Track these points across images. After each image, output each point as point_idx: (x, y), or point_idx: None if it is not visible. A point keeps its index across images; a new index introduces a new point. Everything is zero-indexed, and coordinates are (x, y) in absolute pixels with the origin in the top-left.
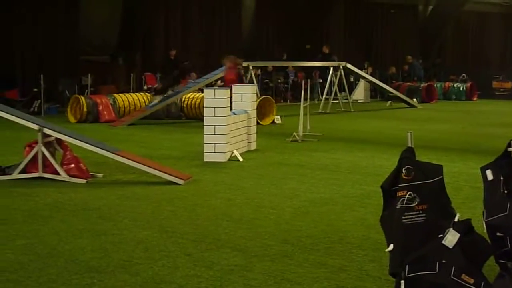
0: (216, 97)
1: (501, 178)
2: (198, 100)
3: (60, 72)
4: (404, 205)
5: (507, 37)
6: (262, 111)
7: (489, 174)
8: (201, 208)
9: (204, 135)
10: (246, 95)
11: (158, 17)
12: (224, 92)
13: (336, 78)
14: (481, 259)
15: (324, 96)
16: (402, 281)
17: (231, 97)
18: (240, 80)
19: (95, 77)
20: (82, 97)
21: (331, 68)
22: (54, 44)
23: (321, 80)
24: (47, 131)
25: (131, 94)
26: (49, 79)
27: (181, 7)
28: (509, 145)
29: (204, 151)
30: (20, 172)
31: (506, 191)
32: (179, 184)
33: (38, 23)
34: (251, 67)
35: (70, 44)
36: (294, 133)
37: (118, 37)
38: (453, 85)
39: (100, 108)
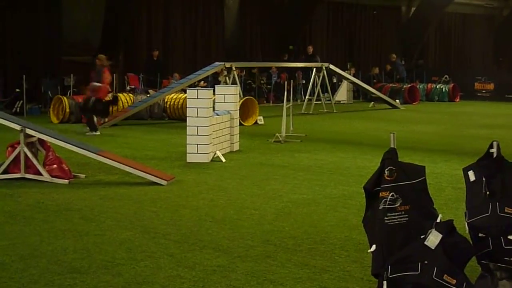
0: (199, 97)
1: (483, 179)
2: (181, 101)
3: (42, 73)
4: (386, 206)
5: (489, 38)
6: (245, 111)
7: (471, 175)
8: (184, 208)
9: (187, 136)
10: (229, 96)
11: (141, 18)
12: (206, 93)
13: (319, 79)
14: (463, 260)
15: (307, 97)
16: (385, 282)
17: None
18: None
19: (77, 78)
20: (65, 98)
21: (314, 69)
22: (37, 45)
23: (304, 81)
24: (29, 131)
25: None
26: (31, 79)
27: (164, 7)
28: (491, 146)
29: (187, 151)
30: (2, 173)
31: (488, 192)
32: (162, 185)
33: (20, 24)
34: (234, 68)
35: (53, 44)
36: (277, 134)
37: (100, 38)
38: (436, 86)
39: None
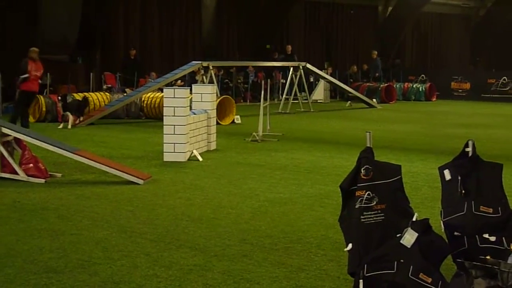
0: (176, 96)
1: (459, 178)
2: (158, 100)
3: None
4: (362, 205)
5: (466, 38)
6: (222, 111)
7: (447, 174)
8: (161, 208)
9: (164, 135)
10: (206, 95)
11: (118, 17)
12: (183, 92)
13: (296, 78)
14: (438, 259)
15: (284, 96)
16: (361, 280)
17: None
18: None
19: (54, 77)
20: (41, 97)
21: (291, 68)
22: (13, 43)
23: (284, 81)
24: (5, 130)
25: (91, 93)
26: (7, 78)
27: (141, 6)
28: (466, 145)
29: (164, 150)
30: None
31: (463, 191)
32: (139, 184)
33: None
34: (211, 67)
35: (29, 43)
36: (254, 133)
37: (77, 36)
38: (413, 85)
39: (59, 107)
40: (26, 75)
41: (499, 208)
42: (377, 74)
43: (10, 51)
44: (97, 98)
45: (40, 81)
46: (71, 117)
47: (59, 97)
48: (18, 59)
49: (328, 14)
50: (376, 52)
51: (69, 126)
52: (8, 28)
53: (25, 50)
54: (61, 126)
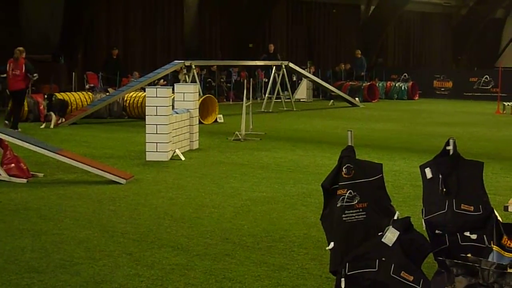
0: (158, 96)
1: (440, 176)
2: (141, 99)
3: (0, 71)
4: (344, 204)
5: (447, 37)
6: (204, 110)
7: (428, 172)
8: (143, 207)
9: (146, 134)
10: (188, 94)
11: (100, 16)
12: (166, 91)
13: (278, 77)
14: (420, 257)
15: (266, 95)
16: (343, 279)
17: None
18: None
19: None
20: None
21: (274, 67)
22: None
23: (266, 80)
24: None
25: (73, 93)
26: None
27: (123, 5)
28: (447, 144)
29: (146, 150)
30: None
31: (444, 189)
32: (121, 184)
33: None
34: (193, 66)
35: (11, 42)
36: (237, 132)
37: (59, 36)
38: (395, 84)
39: (42, 107)
40: (4, 75)
41: (480, 206)
42: (362, 73)
43: None
44: (79, 97)
45: (32, 77)
46: (54, 117)
47: (45, 96)
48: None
49: (310, 13)
50: (360, 51)
51: (52, 126)
52: None
53: (7, 50)
54: (43, 125)
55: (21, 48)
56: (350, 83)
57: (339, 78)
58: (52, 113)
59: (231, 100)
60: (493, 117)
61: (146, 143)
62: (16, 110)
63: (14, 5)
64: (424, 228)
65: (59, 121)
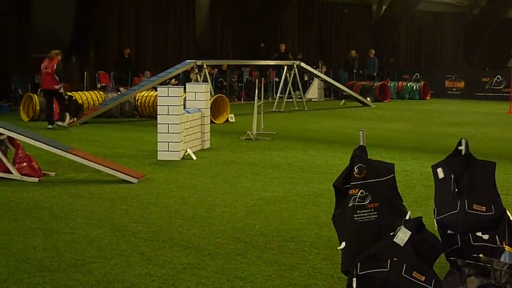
0: (169, 95)
1: (452, 176)
2: (152, 99)
3: (12, 70)
4: (356, 203)
5: (460, 37)
6: (216, 109)
7: (440, 172)
8: (154, 206)
9: (158, 134)
10: (200, 94)
11: (112, 15)
12: (177, 91)
13: (290, 76)
14: (432, 257)
15: (278, 95)
16: (354, 279)
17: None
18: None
19: None
20: (35, 95)
21: (285, 67)
22: (6, 42)
23: (277, 79)
24: None
25: (85, 92)
26: (1, 77)
27: (135, 4)
28: (459, 144)
29: (158, 149)
30: None
31: (456, 189)
32: (133, 183)
33: None
34: (205, 66)
35: (23, 41)
36: (248, 132)
37: (71, 35)
38: (407, 84)
39: (54, 106)
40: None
41: (492, 206)
42: (374, 73)
43: (4, 51)
44: (91, 97)
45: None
46: (68, 117)
47: (66, 97)
48: (11, 59)
49: (322, 13)
50: (373, 51)
51: (65, 124)
52: (2, 29)
53: (19, 49)
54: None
55: (57, 51)
56: (362, 83)
57: (351, 66)
58: (67, 114)
59: (242, 99)
60: (505, 117)
61: (158, 143)
62: (49, 109)
63: (26, 5)
64: (436, 228)
65: (72, 121)
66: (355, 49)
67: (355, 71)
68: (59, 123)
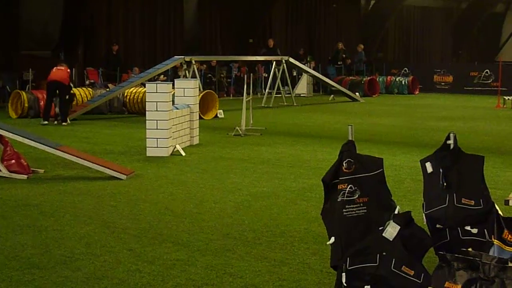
0: (158, 91)
1: (441, 171)
2: (141, 95)
3: (0, 67)
4: (345, 198)
5: (448, 31)
6: (204, 105)
7: (429, 167)
8: (143, 203)
9: (147, 130)
10: (189, 90)
11: (100, 12)
12: (166, 87)
13: (278, 72)
14: (421, 251)
15: (267, 90)
16: (344, 274)
17: None
18: None
19: (36, 72)
20: (23, 92)
21: (274, 62)
22: None
23: (266, 75)
24: None
25: (73, 89)
26: None
27: (123, 1)
28: (448, 138)
29: (147, 145)
30: None
31: (445, 184)
32: (121, 179)
33: None
34: (193, 62)
35: (11, 38)
36: (237, 127)
37: (59, 32)
38: (395, 79)
39: (42, 103)
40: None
41: (481, 200)
42: (361, 68)
43: None
44: (79, 93)
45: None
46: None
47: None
48: (0, 56)
49: (310, 8)
50: (362, 46)
51: (56, 122)
52: None
53: (7, 46)
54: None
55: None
56: (351, 77)
57: (339, 59)
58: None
59: (231, 95)
60: (494, 111)
61: (147, 139)
62: (47, 102)
63: (14, 1)
64: (425, 223)
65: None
66: (343, 44)
67: (339, 63)
68: (64, 123)
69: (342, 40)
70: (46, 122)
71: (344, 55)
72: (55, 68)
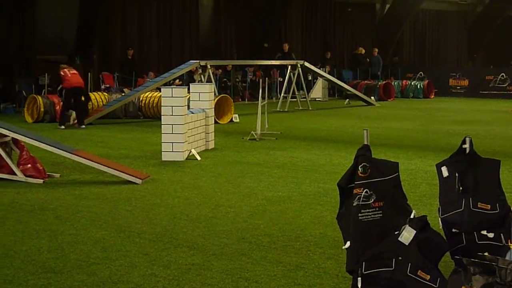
0: (173, 96)
1: (456, 175)
2: (156, 99)
3: (17, 72)
4: (360, 203)
5: (463, 35)
6: (220, 109)
7: (445, 171)
8: (159, 207)
9: (162, 134)
10: (204, 94)
11: (115, 16)
12: (181, 91)
13: (294, 76)
14: (437, 256)
15: (282, 95)
16: (359, 278)
17: None
18: None
19: (52, 77)
20: (39, 97)
21: (289, 67)
22: (11, 44)
23: (281, 79)
24: (3, 131)
25: (89, 93)
26: (5, 78)
27: (138, 5)
28: (463, 142)
29: (162, 150)
30: None
31: (461, 188)
32: (137, 184)
33: None
34: (209, 66)
35: (27, 43)
36: (252, 132)
37: (75, 36)
38: (411, 83)
39: (58, 108)
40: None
41: (497, 205)
42: (378, 72)
43: (8, 53)
44: (95, 98)
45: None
46: (73, 114)
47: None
48: (16, 61)
49: (325, 12)
50: (377, 50)
51: (70, 122)
52: (6, 30)
53: (23, 51)
54: (63, 126)
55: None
56: (366, 82)
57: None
58: (72, 111)
59: (246, 99)
60: (510, 115)
61: (162, 143)
62: (76, 106)
63: (30, 6)
64: (441, 227)
65: (75, 121)
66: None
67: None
68: (83, 126)
69: (361, 45)
70: (63, 127)
71: (368, 59)
72: (69, 73)
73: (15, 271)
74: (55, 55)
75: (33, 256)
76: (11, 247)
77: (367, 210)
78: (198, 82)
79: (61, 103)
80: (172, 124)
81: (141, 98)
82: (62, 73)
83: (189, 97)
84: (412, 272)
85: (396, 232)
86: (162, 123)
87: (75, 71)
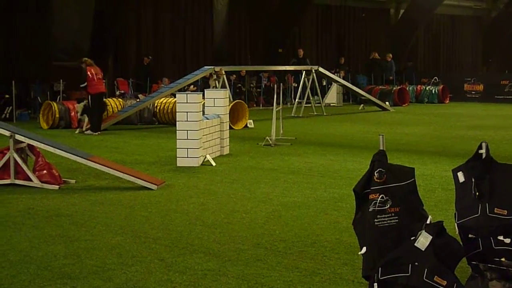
0: (188, 102)
1: (473, 180)
2: (171, 105)
3: (32, 78)
4: (376, 208)
5: (478, 40)
6: (234, 115)
7: (461, 176)
8: (174, 213)
9: (177, 140)
10: (219, 100)
11: (130, 22)
12: (196, 97)
13: (308, 82)
14: (453, 261)
15: (296, 100)
16: (375, 284)
17: None
18: None
19: (67, 83)
20: (54, 103)
21: (304, 72)
22: (26, 50)
23: (296, 85)
24: (18, 137)
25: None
26: (21, 85)
27: (153, 11)
28: (480, 147)
29: (177, 156)
30: None
31: (477, 193)
32: (152, 189)
33: (10, 29)
34: (223, 72)
35: (42, 49)
36: (267, 137)
37: (90, 42)
38: (425, 88)
39: (73, 114)
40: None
41: None
42: (391, 77)
43: (23, 59)
44: (110, 104)
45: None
46: (86, 120)
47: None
48: (31, 67)
49: (340, 17)
50: (391, 55)
51: (84, 128)
52: (21, 37)
53: (38, 57)
54: (77, 131)
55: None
56: (380, 87)
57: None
58: (86, 116)
59: (261, 105)
60: None
61: (177, 149)
62: (98, 112)
63: (45, 12)
64: (457, 232)
65: (88, 126)
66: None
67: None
68: (99, 132)
69: (375, 50)
70: (98, 133)
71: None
72: (96, 77)
73: (31, 277)
74: (70, 62)
75: (49, 262)
76: (28, 253)
77: (383, 216)
78: (213, 87)
79: (76, 105)
80: (187, 130)
81: (156, 104)
82: (88, 73)
83: (204, 103)
84: (429, 277)
85: (412, 238)
86: (177, 129)
87: (100, 74)
